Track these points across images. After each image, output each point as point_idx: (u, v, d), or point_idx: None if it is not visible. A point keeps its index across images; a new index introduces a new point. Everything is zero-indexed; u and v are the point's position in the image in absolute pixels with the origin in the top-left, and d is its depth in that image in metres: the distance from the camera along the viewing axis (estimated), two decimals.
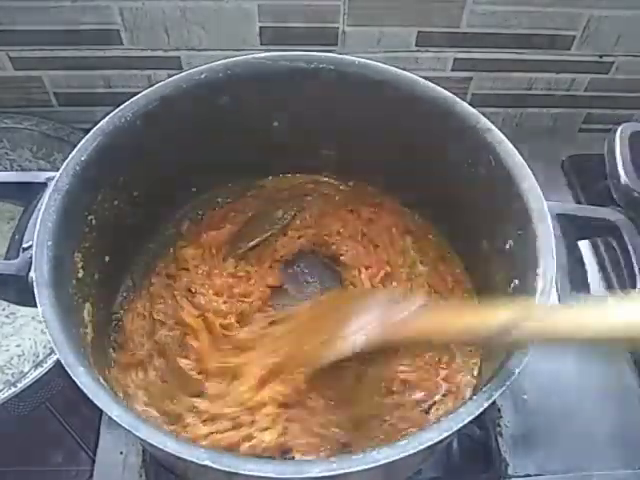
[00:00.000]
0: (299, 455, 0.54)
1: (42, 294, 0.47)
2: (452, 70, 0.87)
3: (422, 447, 0.41)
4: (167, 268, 0.66)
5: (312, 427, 0.55)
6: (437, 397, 0.59)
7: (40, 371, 0.69)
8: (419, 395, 0.59)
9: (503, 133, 0.55)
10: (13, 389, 0.68)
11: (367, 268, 0.67)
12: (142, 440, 0.42)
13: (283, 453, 0.54)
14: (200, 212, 0.71)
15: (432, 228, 0.70)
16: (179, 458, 0.40)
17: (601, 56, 0.87)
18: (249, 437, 0.54)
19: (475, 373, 0.60)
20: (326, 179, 0.73)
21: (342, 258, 0.68)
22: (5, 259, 0.52)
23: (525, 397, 0.71)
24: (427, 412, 0.58)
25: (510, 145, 0.55)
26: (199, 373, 0.59)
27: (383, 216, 0.70)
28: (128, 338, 0.61)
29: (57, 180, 0.52)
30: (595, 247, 0.82)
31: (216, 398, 0.57)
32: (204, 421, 0.56)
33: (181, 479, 0.60)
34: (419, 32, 0.82)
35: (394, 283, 0.66)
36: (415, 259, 0.68)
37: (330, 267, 0.70)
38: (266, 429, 0.55)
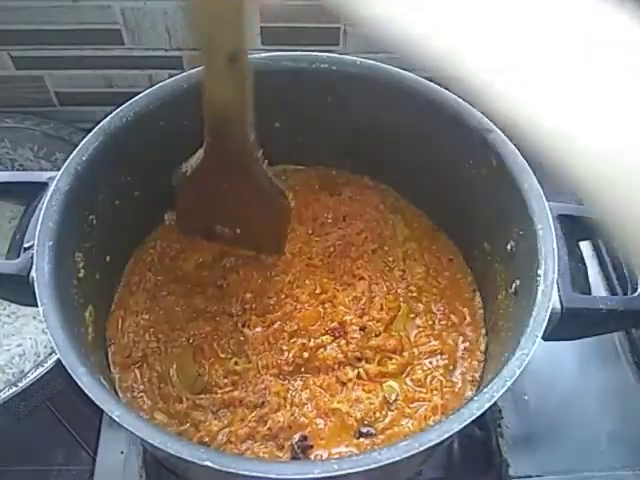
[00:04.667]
0: (315, 437, 0.54)
1: (43, 294, 0.47)
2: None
3: (423, 448, 0.41)
4: (160, 264, 0.66)
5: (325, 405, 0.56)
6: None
7: (41, 371, 0.69)
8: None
9: (504, 134, 0.55)
10: (14, 389, 0.68)
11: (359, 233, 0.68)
12: (143, 440, 0.42)
13: (300, 436, 0.55)
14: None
15: (432, 228, 0.69)
16: (180, 458, 0.40)
17: None
18: (264, 420, 0.55)
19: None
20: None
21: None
22: (6, 259, 0.52)
23: (526, 398, 0.70)
24: None
25: (512, 146, 0.54)
26: (203, 364, 0.59)
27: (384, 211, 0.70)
28: (123, 338, 0.61)
29: (58, 180, 0.52)
30: (596, 248, 0.82)
31: (222, 385, 0.57)
32: (214, 413, 0.56)
33: (181, 479, 0.60)
34: None
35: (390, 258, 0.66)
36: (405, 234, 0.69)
37: None
38: (278, 409, 0.55)
